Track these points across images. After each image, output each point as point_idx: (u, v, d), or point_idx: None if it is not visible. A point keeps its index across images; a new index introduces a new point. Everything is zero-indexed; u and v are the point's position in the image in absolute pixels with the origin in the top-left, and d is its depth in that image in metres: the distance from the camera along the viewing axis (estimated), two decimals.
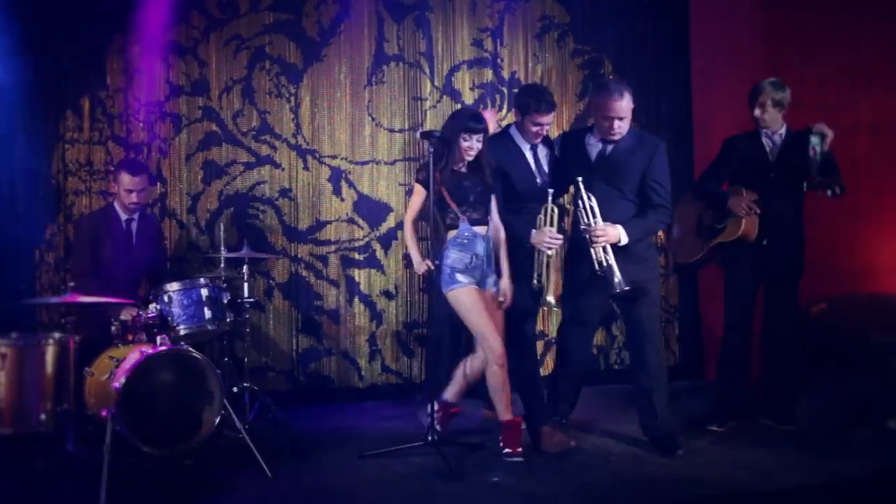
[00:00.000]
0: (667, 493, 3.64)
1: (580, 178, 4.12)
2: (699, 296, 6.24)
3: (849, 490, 3.73)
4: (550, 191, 4.20)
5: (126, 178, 4.46)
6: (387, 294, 5.55)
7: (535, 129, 4.24)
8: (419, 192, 4.16)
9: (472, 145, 4.03)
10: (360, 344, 5.50)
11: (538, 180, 4.32)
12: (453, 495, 3.57)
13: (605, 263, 4.04)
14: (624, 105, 4.11)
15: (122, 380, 3.56)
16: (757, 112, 4.75)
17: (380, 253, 5.54)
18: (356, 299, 5.49)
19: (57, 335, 3.89)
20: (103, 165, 5.02)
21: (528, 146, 4.36)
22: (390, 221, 5.55)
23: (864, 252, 6.71)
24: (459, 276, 4.02)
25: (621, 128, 4.17)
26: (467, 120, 4.05)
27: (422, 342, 5.57)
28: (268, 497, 3.62)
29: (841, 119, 6.65)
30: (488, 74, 5.76)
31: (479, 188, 4.10)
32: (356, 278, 5.49)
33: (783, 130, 4.81)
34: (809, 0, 6.37)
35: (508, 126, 4.51)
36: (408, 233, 4.24)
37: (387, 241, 5.54)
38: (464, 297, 4.01)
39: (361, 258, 5.50)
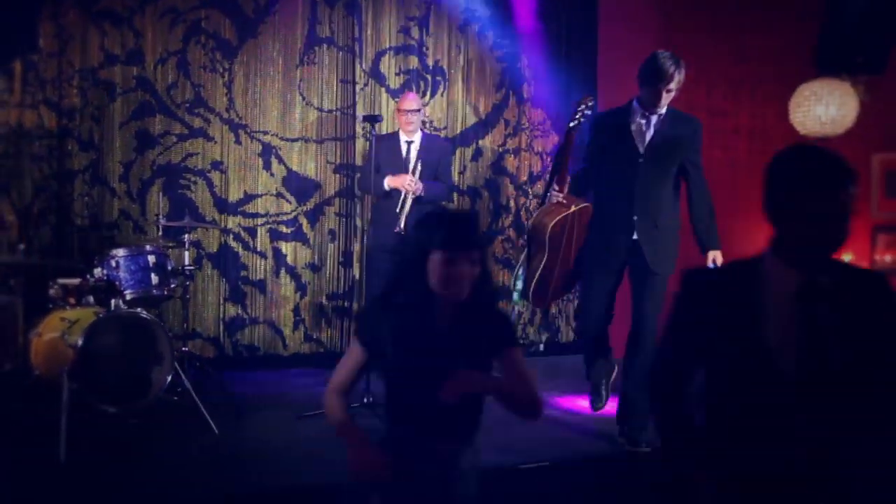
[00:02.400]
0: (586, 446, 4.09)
1: None
2: None
3: None
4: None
5: None
6: (312, 267, 5.79)
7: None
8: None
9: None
10: (286, 314, 5.72)
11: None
12: None
13: None
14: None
15: (80, 339, 3.68)
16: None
17: (306, 227, 5.77)
18: (282, 271, 5.70)
19: (5, 296, 3.95)
20: (36, 129, 5.01)
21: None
22: (317, 198, 5.79)
23: (741, 248, 7.44)
24: None
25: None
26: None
27: (341, 313, 5.86)
28: (218, 450, 3.83)
29: (726, 124, 7.39)
30: (414, 61, 6.07)
31: None
32: (283, 251, 5.70)
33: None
34: (701, 12, 7.01)
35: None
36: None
37: (313, 216, 5.78)
38: None
39: (289, 231, 5.72)
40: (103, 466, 3.59)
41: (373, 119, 4.45)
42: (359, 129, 5.84)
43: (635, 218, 3.95)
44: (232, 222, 5.55)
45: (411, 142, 5.24)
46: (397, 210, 4.93)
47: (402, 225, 4.91)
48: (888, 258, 7.28)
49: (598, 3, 6.69)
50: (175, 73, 5.36)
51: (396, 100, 5.91)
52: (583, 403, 4.67)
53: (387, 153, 5.07)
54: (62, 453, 3.49)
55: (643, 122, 3.99)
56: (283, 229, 5.70)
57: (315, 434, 4.10)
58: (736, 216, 7.40)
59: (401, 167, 5.12)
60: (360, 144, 5.88)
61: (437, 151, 5.32)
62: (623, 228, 3.99)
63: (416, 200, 5.00)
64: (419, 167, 5.13)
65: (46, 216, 5.06)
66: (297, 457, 3.82)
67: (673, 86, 3.87)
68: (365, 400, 4.33)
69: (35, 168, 5.03)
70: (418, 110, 5.23)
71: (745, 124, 7.50)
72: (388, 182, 4.99)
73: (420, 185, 5.03)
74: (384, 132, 5.47)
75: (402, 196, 4.96)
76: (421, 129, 5.31)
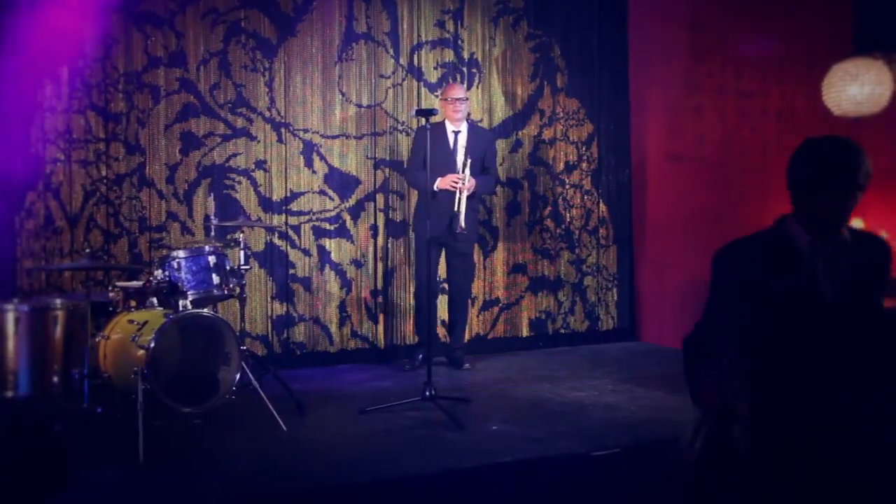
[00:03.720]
0: (645, 433, 4.12)
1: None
2: (634, 265, 6.80)
3: None
4: None
5: None
6: (356, 263, 5.81)
7: None
8: None
9: None
10: (332, 310, 5.74)
11: None
12: (463, 441, 3.93)
13: None
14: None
15: (152, 341, 3.70)
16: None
17: (349, 223, 5.79)
18: (327, 268, 5.72)
19: (70, 300, 3.97)
20: (83, 134, 5.04)
21: None
22: (358, 193, 5.81)
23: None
24: None
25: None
26: None
27: (383, 309, 5.88)
28: (286, 447, 3.86)
29: (755, 105, 7.40)
30: (450, 55, 6.07)
31: None
32: (327, 247, 5.72)
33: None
34: None
35: None
36: None
37: (356, 212, 5.80)
38: None
39: (332, 228, 5.74)
40: (183, 466, 3.63)
41: (427, 113, 4.45)
42: (389, 124, 5.85)
43: None
44: (277, 221, 5.57)
45: (458, 132, 5.31)
46: (455, 209, 5.10)
47: (462, 224, 5.08)
48: None
49: None
50: (217, 74, 5.38)
51: (435, 94, 5.93)
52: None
53: (434, 144, 5.01)
54: (141, 453, 3.53)
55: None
56: (327, 226, 5.72)
57: (382, 428, 4.14)
58: (768, 196, 7.43)
59: (448, 158, 5.19)
60: (399, 139, 5.90)
61: (483, 141, 5.44)
62: None
63: (469, 197, 5.13)
64: (468, 159, 5.16)
65: (96, 220, 5.08)
66: (367, 450, 3.85)
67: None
68: (427, 393, 4.35)
69: (84, 172, 5.04)
70: (466, 99, 5.33)
71: (774, 105, 7.51)
72: (439, 184, 5.14)
73: (472, 182, 5.13)
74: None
75: (457, 196, 5.11)
76: (467, 119, 5.38)
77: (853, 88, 6.25)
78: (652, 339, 6.69)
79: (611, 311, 6.70)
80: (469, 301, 5.84)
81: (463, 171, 5.17)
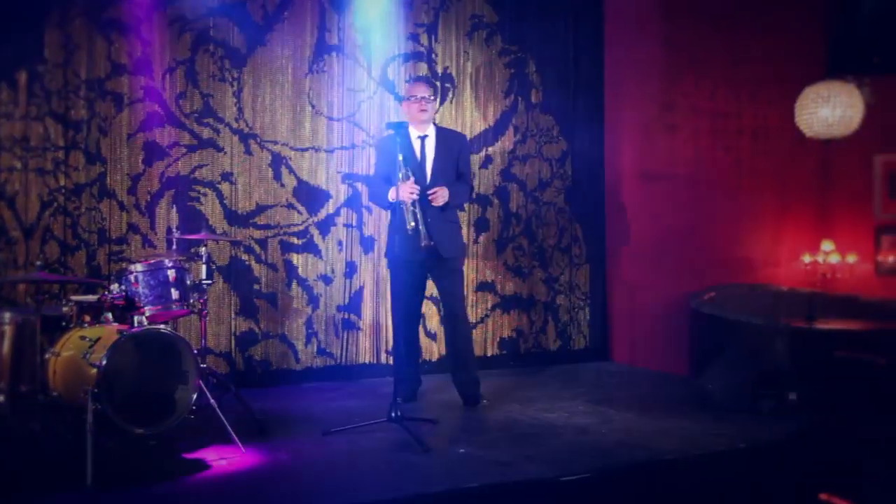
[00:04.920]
0: (615, 457, 4.01)
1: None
2: (607, 284, 6.72)
3: (764, 452, 4.25)
4: None
5: None
6: (323, 278, 5.67)
7: None
8: None
9: None
10: (297, 327, 5.60)
11: None
12: (429, 465, 3.79)
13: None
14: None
15: (104, 358, 3.54)
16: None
17: (318, 238, 5.65)
18: (294, 283, 5.58)
19: (20, 314, 3.81)
20: (41, 142, 4.87)
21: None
22: (329, 207, 5.68)
23: (746, 245, 7.47)
24: None
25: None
26: None
27: (350, 326, 5.75)
28: (246, 471, 3.71)
29: (728, 125, 7.40)
30: (423, 69, 5.98)
31: None
32: (294, 262, 5.59)
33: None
34: (703, 14, 7.01)
35: None
36: None
37: (325, 226, 5.67)
38: None
39: (300, 243, 5.60)
40: (132, 489, 3.46)
41: (398, 126, 4.32)
42: (360, 138, 5.75)
43: None
44: (242, 234, 5.43)
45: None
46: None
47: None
48: (891, 259, 7.31)
49: (604, 7, 6.66)
50: (183, 83, 5.24)
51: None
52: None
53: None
54: (89, 475, 3.36)
55: None
56: (294, 241, 5.58)
57: (346, 450, 4.00)
58: (740, 217, 7.42)
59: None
60: (370, 153, 5.79)
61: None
62: None
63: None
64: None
65: (53, 231, 4.91)
66: (330, 474, 3.70)
67: None
68: (393, 414, 4.22)
69: (41, 181, 4.88)
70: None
71: (748, 125, 7.52)
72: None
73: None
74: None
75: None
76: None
77: (825, 111, 6.27)
78: (623, 359, 6.62)
79: (583, 331, 6.61)
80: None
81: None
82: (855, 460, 4.39)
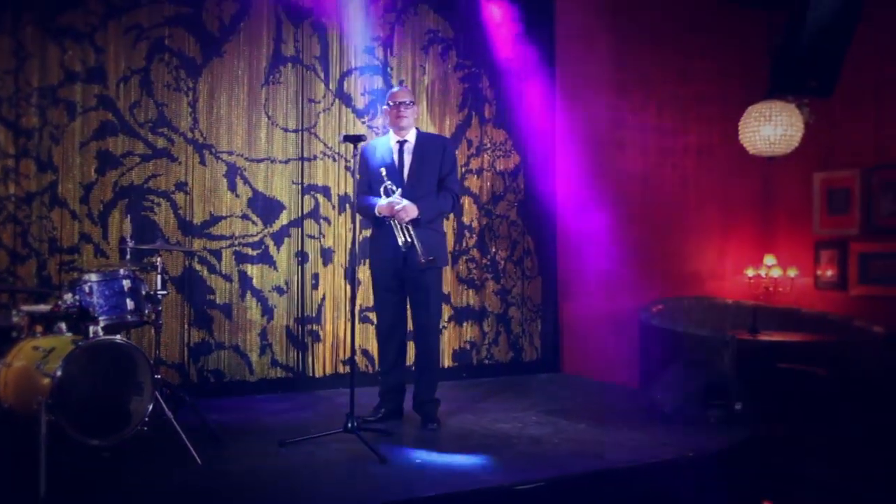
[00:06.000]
0: (570, 465, 4.08)
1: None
2: (558, 296, 6.84)
3: (712, 460, 4.38)
4: None
5: None
6: (278, 290, 5.67)
7: None
8: None
9: None
10: (252, 338, 5.58)
11: None
12: (386, 475, 3.82)
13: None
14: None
15: (59, 369, 3.50)
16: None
17: (272, 249, 5.65)
18: (248, 294, 5.57)
19: None
20: None
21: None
22: (283, 219, 5.68)
23: (692, 259, 7.68)
24: None
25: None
26: None
27: (312, 336, 5.75)
28: (200, 483, 3.69)
29: (675, 141, 7.61)
30: (379, 81, 6.04)
31: None
32: (249, 273, 5.57)
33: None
34: (650, 33, 7.21)
35: None
36: None
37: (279, 237, 5.67)
38: None
39: (255, 254, 5.59)
40: (85, 501, 3.42)
41: (355, 139, 4.34)
42: (319, 148, 5.77)
43: None
44: (197, 244, 5.39)
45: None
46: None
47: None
48: (829, 273, 7.58)
49: (556, 24, 6.79)
50: (138, 92, 5.21)
51: (362, 120, 5.88)
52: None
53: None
54: (42, 488, 3.31)
55: None
56: (249, 251, 5.57)
57: (302, 462, 4.00)
58: (687, 232, 7.63)
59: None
60: (327, 164, 5.81)
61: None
62: None
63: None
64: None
65: (2, 240, 4.82)
66: (288, 484, 3.70)
67: None
68: (349, 425, 4.22)
69: None
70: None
71: (693, 142, 7.75)
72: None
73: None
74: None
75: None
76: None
77: (767, 129, 6.48)
78: (574, 370, 6.73)
79: (534, 343, 6.71)
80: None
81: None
82: (797, 468, 4.56)
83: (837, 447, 4.82)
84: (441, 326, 5.67)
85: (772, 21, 7.27)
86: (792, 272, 7.57)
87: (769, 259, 7.69)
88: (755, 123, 6.52)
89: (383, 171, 4.52)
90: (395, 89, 4.84)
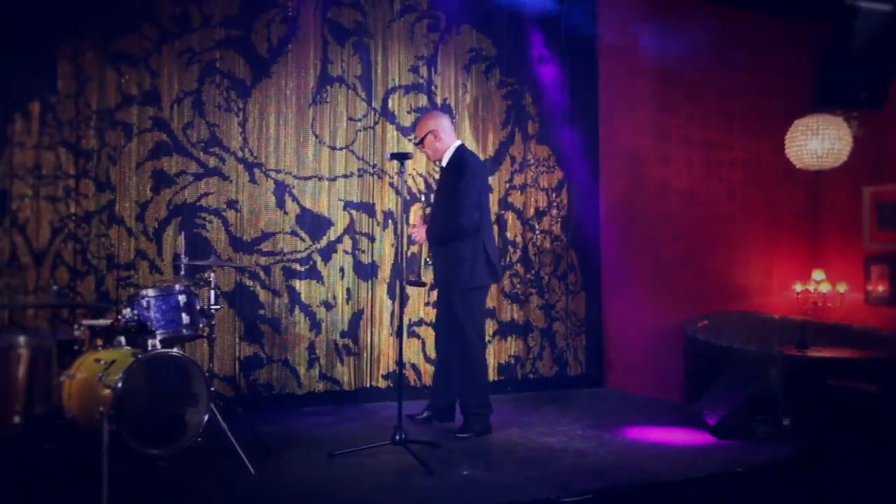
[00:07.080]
0: (617, 479, 4.10)
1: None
2: (602, 311, 6.84)
3: (760, 475, 4.35)
4: None
5: None
6: (326, 304, 5.77)
7: None
8: None
9: None
10: (300, 352, 5.69)
11: None
12: (434, 487, 3.88)
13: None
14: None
15: (119, 380, 3.63)
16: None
17: (320, 265, 5.76)
18: (297, 309, 5.68)
19: (35, 338, 3.89)
20: (52, 170, 4.98)
21: None
22: (330, 235, 5.80)
23: (739, 274, 7.62)
24: None
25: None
26: None
27: (352, 352, 5.84)
28: (254, 492, 3.78)
29: (721, 156, 7.58)
30: (423, 100, 6.14)
31: None
32: (297, 288, 5.69)
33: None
34: (696, 48, 7.20)
35: None
36: None
37: (327, 253, 5.78)
38: None
39: (303, 269, 5.71)
40: None
41: (402, 156, 4.45)
42: (364, 165, 5.89)
43: None
44: (247, 261, 5.53)
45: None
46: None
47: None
48: (881, 288, 7.46)
49: (599, 41, 6.84)
50: (190, 113, 5.37)
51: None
52: None
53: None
54: (105, 498, 3.42)
55: None
56: (297, 267, 5.69)
57: (351, 473, 4.08)
58: (733, 247, 7.58)
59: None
60: (369, 181, 5.92)
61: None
62: None
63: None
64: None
65: (63, 257, 5.01)
66: (338, 495, 3.78)
67: None
68: (397, 437, 4.29)
69: (52, 209, 4.98)
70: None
71: (740, 156, 7.71)
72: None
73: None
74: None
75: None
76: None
77: (814, 143, 6.45)
78: (618, 385, 6.72)
79: (579, 357, 6.72)
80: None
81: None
82: (846, 485, 4.50)
83: (887, 465, 4.75)
84: (486, 340, 5.70)
85: (815, 34, 7.23)
86: (841, 287, 7.47)
87: (818, 274, 7.60)
88: (802, 137, 6.49)
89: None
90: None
